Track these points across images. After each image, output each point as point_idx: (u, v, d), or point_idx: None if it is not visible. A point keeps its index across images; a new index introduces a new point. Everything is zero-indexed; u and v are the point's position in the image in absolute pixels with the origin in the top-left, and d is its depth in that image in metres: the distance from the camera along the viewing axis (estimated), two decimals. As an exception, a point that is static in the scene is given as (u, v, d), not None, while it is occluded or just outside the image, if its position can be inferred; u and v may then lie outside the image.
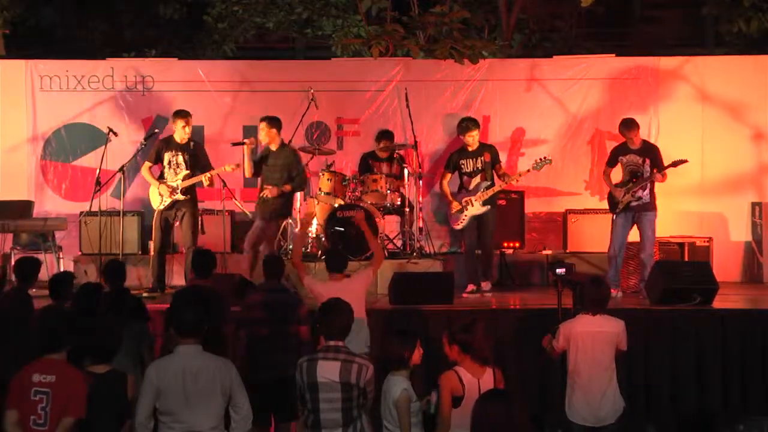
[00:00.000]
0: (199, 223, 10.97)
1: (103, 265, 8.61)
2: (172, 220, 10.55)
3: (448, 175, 10.70)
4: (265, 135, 10.55)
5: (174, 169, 10.50)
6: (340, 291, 7.36)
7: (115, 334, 5.97)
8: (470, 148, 10.54)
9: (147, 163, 10.67)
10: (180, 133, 10.51)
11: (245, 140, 10.68)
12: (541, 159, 10.58)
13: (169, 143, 10.60)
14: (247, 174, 10.74)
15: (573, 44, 16.21)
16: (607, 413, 7.13)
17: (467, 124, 10.59)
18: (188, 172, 10.47)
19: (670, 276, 9.57)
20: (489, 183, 10.45)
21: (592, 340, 7.11)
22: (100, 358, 5.80)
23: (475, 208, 10.42)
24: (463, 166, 10.55)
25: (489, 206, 10.44)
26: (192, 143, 10.61)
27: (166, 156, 10.54)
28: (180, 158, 10.50)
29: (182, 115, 10.57)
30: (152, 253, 10.69)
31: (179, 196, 10.44)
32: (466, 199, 10.44)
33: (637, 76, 12.33)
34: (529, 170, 10.63)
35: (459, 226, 10.56)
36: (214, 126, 12.38)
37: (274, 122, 10.56)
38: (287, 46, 19.33)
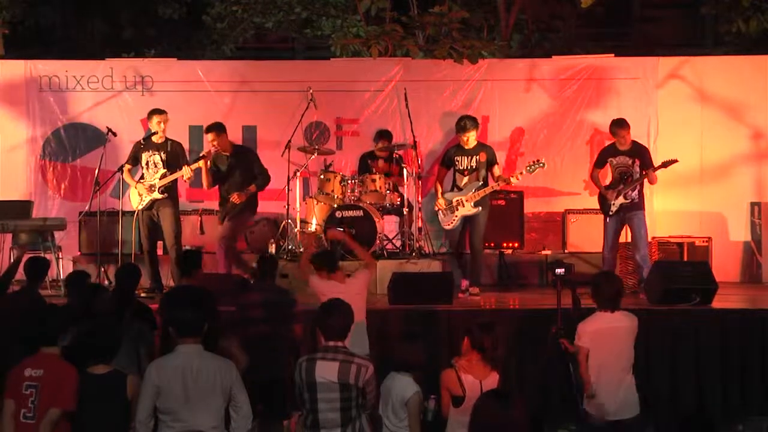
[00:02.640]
0: (199, 223, 10.99)
1: (120, 266, 8.63)
2: (156, 219, 10.53)
3: (443, 171, 10.66)
4: (218, 144, 10.56)
5: (152, 168, 10.47)
6: (342, 291, 7.39)
7: (114, 334, 5.98)
8: (467, 146, 10.51)
9: (126, 166, 10.61)
10: (155, 129, 10.47)
11: (202, 156, 10.57)
12: (534, 162, 10.52)
13: (146, 143, 10.55)
14: (206, 186, 10.76)
15: (572, 44, 16.20)
16: (630, 405, 7.17)
17: (465, 123, 10.48)
18: (165, 171, 10.43)
19: (669, 276, 9.58)
20: (481, 183, 10.39)
21: (614, 335, 7.12)
22: (100, 358, 5.82)
23: (466, 208, 10.34)
24: (457, 163, 10.48)
25: (480, 207, 10.34)
26: (169, 142, 10.57)
27: (144, 156, 10.51)
28: (157, 158, 10.47)
29: (158, 111, 10.54)
30: (144, 253, 10.64)
31: (157, 195, 10.41)
32: (457, 199, 10.38)
33: (636, 76, 12.33)
34: (522, 173, 10.57)
35: (450, 226, 10.49)
36: (214, 126, 12.36)
37: (221, 128, 10.61)
38: (286, 46, 19.33)
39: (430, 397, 6.42)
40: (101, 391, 5.73)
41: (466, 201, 10.33)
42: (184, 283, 7.97)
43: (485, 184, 10.38)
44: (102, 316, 6.73)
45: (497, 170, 10.51)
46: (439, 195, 10.53)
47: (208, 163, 10.58)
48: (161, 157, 10.46)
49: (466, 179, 10.42)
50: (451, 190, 10.55)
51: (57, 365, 5.83)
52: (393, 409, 6.27)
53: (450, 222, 10.45)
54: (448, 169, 10.63)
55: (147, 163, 10.50)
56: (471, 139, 10.45)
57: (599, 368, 7.14)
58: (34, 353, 5.99)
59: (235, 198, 10.47)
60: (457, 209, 10.37)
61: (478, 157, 10.41)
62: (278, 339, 7.68)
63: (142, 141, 10.66)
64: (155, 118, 10.49)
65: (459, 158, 10.48)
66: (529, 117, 12.40)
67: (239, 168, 10.63)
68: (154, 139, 10.51)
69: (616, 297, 7.23)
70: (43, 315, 6.20)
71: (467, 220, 10.43)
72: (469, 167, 10.43)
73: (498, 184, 10.42)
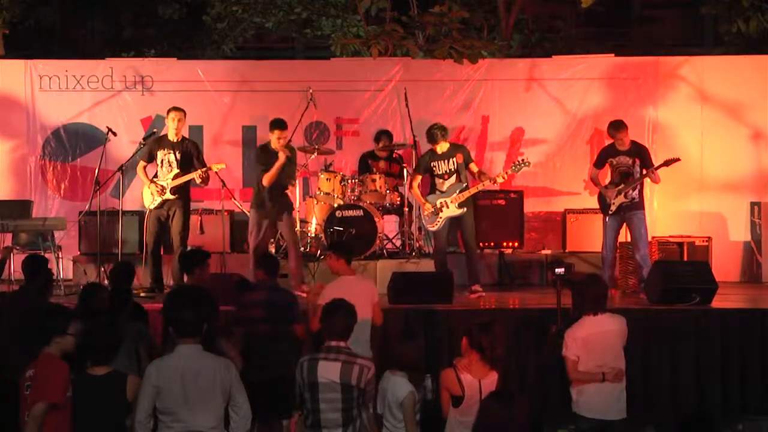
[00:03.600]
0: (199, 223, 10.97)
1: (114, 265, 8.62)
2: (164, 220, 10.49)
3: (418, 177, 10.47)
4: (281, 140, 10.26)
5: (166, 167, 10.45)
6: (353, 282, 7.60)
7: (113, 335, 5.98)
8: (441, 151, 10.37)
9: (142, 162, 10.59)
10: (171, 127, 10.43)
11: (294, 161, 10.42)
12: (519, 162, 10.44)
13: (162, 142, 10.52)
14: (267, 183, 10.21)
15: (572, 44, 16.22)
16: (619, 408, 7.18)
17: (435, 133, 10.24)
18: (178, 171, 10.39)
19: (669, 276, 9.58)
20: (464, 185, 10.31)
21: (603, 339, 7.10)
22: (99, 359, 5.81)
23: (451, 210, 10.23)
24: (435, 168, 10.32)
25: (465, 208, 10.24)
26: (185, 141, 10.54)
27: (159, 155, 10.48)
28: (171, 157, 10.43)
29: (176, 108, 10.50)
30: (145, 253, 10.59)
31: (169, 196, 10.38)
32: (441, 201, 10.27)
33: (637, 75, 12.34)
34: (507, 172, 10.54)
35: (434, 228, 10.34)
36: (214, 126, 12.38)
37: (286, 125, 10.38)
38: (286, 46, 19.36)
39: (426, 376, 6.44)
40: (102, 393, 5.73)
41: (451, 202, 10.25)
42: (187, 282, 7.95)
43: (467, 186, 10.32)
44: (101, 317, 6.72)
45: (474, 167, 10.44)
46: (422, 200, 10.39)
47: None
48: (175, 157, 10.42)
49: (447, 183, 10.30)
50: (431, 194, 10.42)
51: (48, 363, 5.84)
52: (390, 410, 6.27)
53: (434, 224, 10.33)
54: (423, 175, 10.49)
55: (162, 162, 10.46)
56: (443, 145, 10.29)
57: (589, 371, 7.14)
58: (33, 353, 6.00)
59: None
60: (441, 210, 10.28)
61: (454, 159, 10.27)
62: (279, 338, 7.67)
63: (142, 141, 10.65)
64: (171, 114, 10.45)
65: (436, 163, 10.32)
66: (529, 117, 12.39)
67: (292, 164, 10.46)
68: (170, 137, 10.47)
69: (600, 299, 7.19)
70: (41, 315, 6.21)
71: (454, 222, 10.35)
72: (447, 170, 10.28)
73: (483, 185, 10.34)
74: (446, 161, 10.31)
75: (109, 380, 5.76)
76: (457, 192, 10.22)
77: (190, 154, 10.50)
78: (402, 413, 6.23)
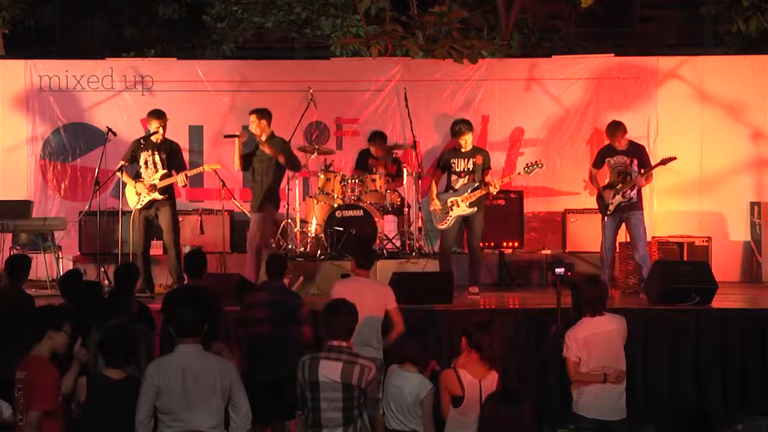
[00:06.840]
0: (199, 223, 10.97)
1: (118, 266, 8.62)
2: (152, 219, 10.48)
3: (439, 174, 10.53)
4: (256, 127, 10.43)
5: (151, 168, 10.42)
6: (361, 286, 7.54)
7: (132, 338, 5.96)
8: (463, 149, 10.43)
9: (122, 162, 10.50)
10: (152, 129, 10.42)
11: (238, 132, 10.58)
12: (532, 163, 10.47)
13: (145, 143, 10.48)
14: (236, 167, 10.60)
15: (572, 44, 16.21)
16: (619, 409, 7.18)
17: (460, 127, 10.35)
18: (166, 171, 10.40)
19: (669, 276, 9.58)
20: (477, 185, 10.31)
21: (603, 340, 7.09)
22: (116, 362, 5.80)
23: (461, 209, 10.25)
24: (453, 165, 10.37)
25: (475, 208, 10.26)
26: (167, 142, 10.53)
27: (143, 156, 10.45)
28: (157, 157, 10.41)
29: (157, 115, 10.48)
30: (138, 253, 10.54)
31: (157, 195, 10.37)
32: (452, 200, 10.30)
33: (636, 75, 12.34)
34: (519, 173, 10.59)
35: (443, 226, 10.36)
36: (213, 126, 12.38)
37: (263, 114, 10.47)
38: (286, 45, 19.31)
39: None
40: (118, 397, 5.71)
41: (461, 201, 10.26)
42: (191, 284, 7.94)
43: (480, 186, 10.33)
44: (122, 320, 6.69)
45: (489, 176, 10.40)
46: (434, 196, 10.42)
47: (240, 142, 10.44)
48: (161, 157, 10.42)
49: (461, 181, 10.34)
50: (446, 191, 10.44)
51: (37, 366, 5.81)
52: (407, 407, 6.26)
53: (444, 222, 10.36)
54: (443, 172, 10.55)
55: (146, 163, 10.45)
56: (468, 142, 10.36)
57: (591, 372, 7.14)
58: (19, 353, 5.99)
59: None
60: (452, 209, 10.29)
61: (474, 159, 10.32)
62: (282, 340, 7.64)
63: (142, 140, 10.61)
64: (155, 123, 10.43)
65: (455, 161, 10.39)
66: (529, 117, 12.40)
67: (268, 155, 10.40)
68: (153, 138, 10.47)
69: (599, 300, 7.18)
70: (28, 314, 6.20)
71: (463, 221, 10.37)
72: (465, 169, 10.33)
73: (497, 187, 10.35)
74: (466, 160, 10.34)
75: (126, 385, 5.75)
76: (469, 191, 10.24)
77: (174, 155, 10.50)
78: (422, 410, 6.24)
